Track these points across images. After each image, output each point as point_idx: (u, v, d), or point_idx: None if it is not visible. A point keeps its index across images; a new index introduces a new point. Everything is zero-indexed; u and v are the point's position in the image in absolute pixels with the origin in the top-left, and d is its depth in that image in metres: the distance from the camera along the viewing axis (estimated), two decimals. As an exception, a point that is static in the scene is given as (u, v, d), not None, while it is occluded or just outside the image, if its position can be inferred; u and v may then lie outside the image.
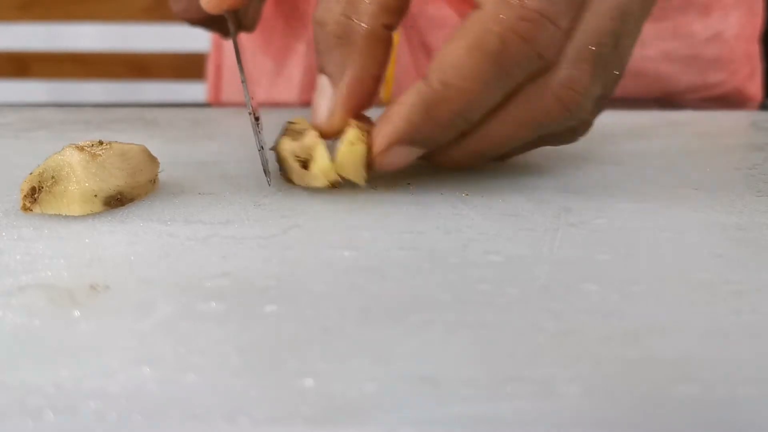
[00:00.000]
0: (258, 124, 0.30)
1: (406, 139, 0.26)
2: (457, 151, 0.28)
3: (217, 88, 0.70)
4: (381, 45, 0.27)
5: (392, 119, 0.26)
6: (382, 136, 0.27)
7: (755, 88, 0.62)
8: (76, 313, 0.19)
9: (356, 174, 0.27)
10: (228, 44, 0.68)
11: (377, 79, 0.28)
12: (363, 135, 0.27)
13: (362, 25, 0.26)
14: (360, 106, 0.28)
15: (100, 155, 0.26)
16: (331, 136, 0.28)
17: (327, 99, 0.28)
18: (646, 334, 0.18)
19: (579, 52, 0.25)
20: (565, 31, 0.25)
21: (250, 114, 0.30)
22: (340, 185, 0.28)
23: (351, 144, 0.27)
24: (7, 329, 0.18)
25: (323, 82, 0.28)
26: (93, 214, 0.25)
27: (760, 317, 0.19)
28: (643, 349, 0.18)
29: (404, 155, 0.27)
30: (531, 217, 0.26)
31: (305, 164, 0.28)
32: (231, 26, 0.35)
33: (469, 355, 0.17)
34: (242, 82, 0.31)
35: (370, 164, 0.27)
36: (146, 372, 0.16)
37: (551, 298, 0.20)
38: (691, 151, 0.37)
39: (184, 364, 0.17)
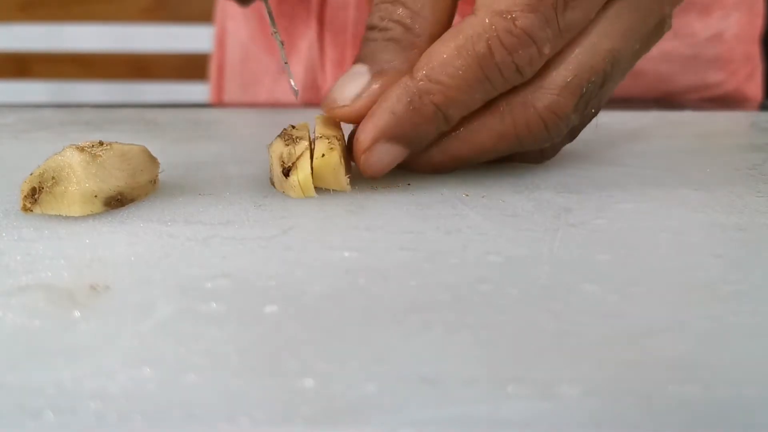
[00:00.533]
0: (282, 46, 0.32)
1: (390, 133, 0.27)
2: (437, 154, 0.29)
3: (219, 87, 0.70)
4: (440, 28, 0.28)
5: (376, 114, 0.27)
6: (367, 131, 0.27)
7: (755, 89, 0.62)
8: (77, 313, 0.19)
9: (336, 183, 0.28)
10: (230, 44, 0.68)
11: None
12: (334, 143, 0.28)
13: (419, 38, 0.28)
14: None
15: (100, 156, 0.26)
16: (347, 119, 0.28)
17: (358, 84, 0.28)
18: (646, 334, 0.18)
19: (567, 82, 0.27)
20: (546, 56, 0.26)
21: (274, 33, 0.32)
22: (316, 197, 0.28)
23: (322, 155, 0.27)
24: (8, 329, 0.18)
25: (360, 69, 0.28)
26: (93, 215, 0.26)
27: (761, 318, 0.19)
28: (643, 349, 0.18)
29: (388, 154, 0.28)
30: (531, 218, 0.26)
31: (288, 171, 0.28)
32: None
33: (470, 356, 0.17)
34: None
35: (359, 167, 0.28)
36: (146, 372, 0.16)
37: (551, 298, 0.20)
38: (691, 152, 0.37)
39: (184, 364, 0.17)
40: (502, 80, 0.26)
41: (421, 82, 0.26)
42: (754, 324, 0.19)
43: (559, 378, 0.16)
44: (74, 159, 0.25)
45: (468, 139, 0.28)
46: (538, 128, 0.27)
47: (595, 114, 0.30)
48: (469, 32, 0.26)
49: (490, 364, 0.17)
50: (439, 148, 0.29)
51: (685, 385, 0.16)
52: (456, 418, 0.15)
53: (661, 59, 0.57)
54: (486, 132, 0.28)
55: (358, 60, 0.28)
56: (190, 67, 1.04)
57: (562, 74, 0.27)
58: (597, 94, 0.28)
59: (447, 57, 0.26)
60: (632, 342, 0.18)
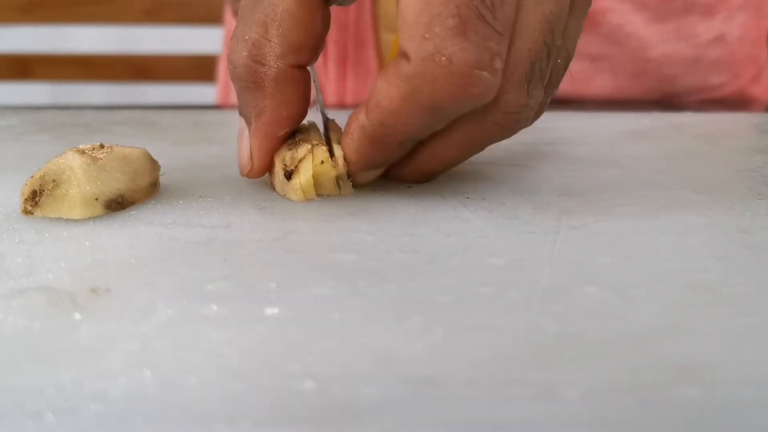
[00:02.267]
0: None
1: (363, 167, 0.28)
2: (408, 171, 0.29)
3: (226, 87, 0.70)
4: (292, 85, 0.26)
5: (349, 154, 0.27)
6: (349, 167, 0.28)
7: (761, 91, 0.62)
8: (77, 315, 0.19)
9: (333, 189, 0.28)
10: None
11: (294, 117, 0.27)
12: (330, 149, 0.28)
13: (269, 68, 0.26)
14: (279, 146, 0.28)
15: (101, 158, 0.26)
16: (256, 176, 0.29)
17: (245, 141, 0.28)
18: (647, 336, 0.18)
19: (512, 76, 0.25)
20: (500, 69, 0.24)
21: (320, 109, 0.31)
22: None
23: (321, 162, 0.27)
24: (8, 332, 0.18)
25: (241, 124, 0.28)
26: (94, 218, 0.26)
27: (762, 320, 0.19)
28: (645, 351, 0.18)
29: (369, 174, 0.28)
30: (531, 220, 0.26)
31: (290, 175, 0.28)
32: None
33: (470, 358, 0.17)
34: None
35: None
36: (147, 375, 0.16)
37: (552, 300, 0.20)
38: (692, 154, 0.37)
39: (184, 366, 0.17)
40: (460, 113, 0.25)
41: (378, 128, 0.25)
42: (754, 326, 0.19)
43: (560, 380, 0.16)
44: (75, 162, 0.25)
45: (434, 154, 0.27)
46: (499, 132, 0.26)
47: (565, 67, 0.27)
48: (408, 84, 0.23)
49: (491, 366, 0.17)
50: (409, 166, 0.28)
51: (685, 387, 0.16)
52: (457, 420, 0.15)
53: (663, 61, 0.57)
54: (449, 148, 0.27)
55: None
56: (192, 68, 1.04)
57: (505, 75, 0.24)
58: (548, 67, 0.25)
59: (395, 106, 0.24)
60: (633, 344, 0.18)
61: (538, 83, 0.25)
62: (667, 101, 0.58)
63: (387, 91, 0.24)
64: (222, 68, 0.72)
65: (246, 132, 0.28)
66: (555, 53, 0.25)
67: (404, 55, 0.23)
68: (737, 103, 0.60)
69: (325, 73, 0.59)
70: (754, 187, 0.30)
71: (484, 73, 0.23)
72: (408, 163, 0.28)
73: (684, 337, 0.18)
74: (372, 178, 0.28)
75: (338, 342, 0.18)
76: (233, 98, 0.69)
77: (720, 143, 0.40)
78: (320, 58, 0.59)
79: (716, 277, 0.22)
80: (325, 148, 0.28)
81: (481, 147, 0.27)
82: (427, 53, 0.23)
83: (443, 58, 0.22)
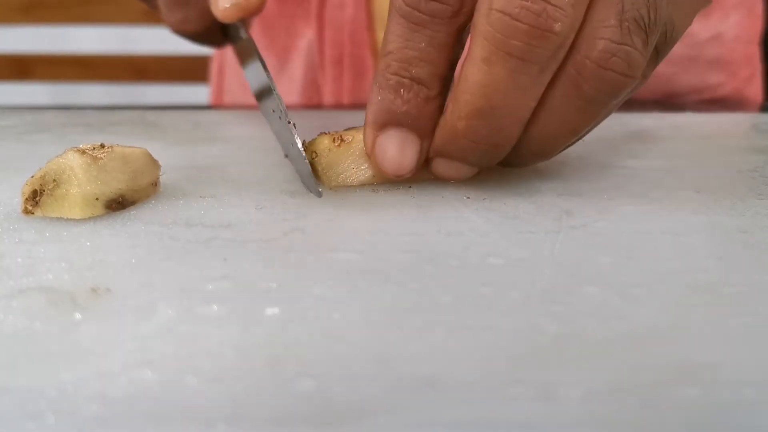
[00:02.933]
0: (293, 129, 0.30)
1: (377, 120, 0.27)
2: (529, 145, 0.28)
3: (219, 89, 0.70)
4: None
5: (366, 113, 0.27)
6: (365, 132, 0.28)
7: (755, 91, 0.62)
8: (78, 315, 0.19)
9: (346, 175, 0.29)
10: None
11: None
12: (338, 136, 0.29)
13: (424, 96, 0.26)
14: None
15: (101, 158, 0.26)
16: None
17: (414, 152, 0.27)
18: (647, 336, 0.18)
19: (606, 17, 0.24)
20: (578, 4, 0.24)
21: (286, 120, 0.30)
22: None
23: (329, 151, 0.29)
24: (9, 332, 0.18)
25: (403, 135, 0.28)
26: (94, 217, 0.26)
27: (762, 319, 0.19)
28: (644, 351, 0.18)
29: (391, 142, 0.27)
30: (532, 220, 0.26)
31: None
32: (243, 32, 0.35)
33: (470, 358, 0.17)
34: (272, 86, 0.31)
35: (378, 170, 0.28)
36: (147, 375, 0.16)
37: (552, 300, 0.20)
38: (692, 154, 0.37)
39: (185, 366, 0.17)
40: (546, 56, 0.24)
41: (380, 63, 0.26)
42: (754, 326, 0.19)
43: (560, 380, 0.16)
44: (75, 162, 0.25)
45: (549, 122, 0.26)
46: (609, 79, 0.25)
47: (667, 46, 0.27)
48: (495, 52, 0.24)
49: (491, 366, 0.17)
50: (528, 138, 0.27)
51: (685, 387, 0.16)
52: (457, 420, 0.15)
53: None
54: (564, 108, 0.26)
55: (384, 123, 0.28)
56: (191, 69, 1.04)
57: (597, 13, 0.24)
58: (648, 18, 0.25)
59: (390, 30, 0.26)
60: (633, 344, 0.18)
61: (638, 32, 0.25)
62: (666, 101, 0.58)
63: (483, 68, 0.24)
64: (214, 68, 0.72)
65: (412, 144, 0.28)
66: (657, 7, 0.25)
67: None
68: (734, 102, 0.60)
69: (322, 73, 0.59)
70: (754, 187, 0.30)
71: (558, 12, 0.23)
72: (525, 136, 0.27)
73: (684, 337, 0.18)
74: (397, 154, 0.27)
75: (338, 342, 0.18)
76: (226, 99, 0.69)
77: (720, 143, 0.40)
78: (318, 58, 0.59)
79: (716, 277, 0.22)
80: (327, 136, 0.29)
81: (595, 103, 0.26)
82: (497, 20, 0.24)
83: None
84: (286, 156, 0.32)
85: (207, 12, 0.37)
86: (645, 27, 0.25)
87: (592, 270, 0.22)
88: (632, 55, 0.24)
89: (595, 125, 0.28)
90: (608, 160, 0.35)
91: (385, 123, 0.27)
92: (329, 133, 0.29)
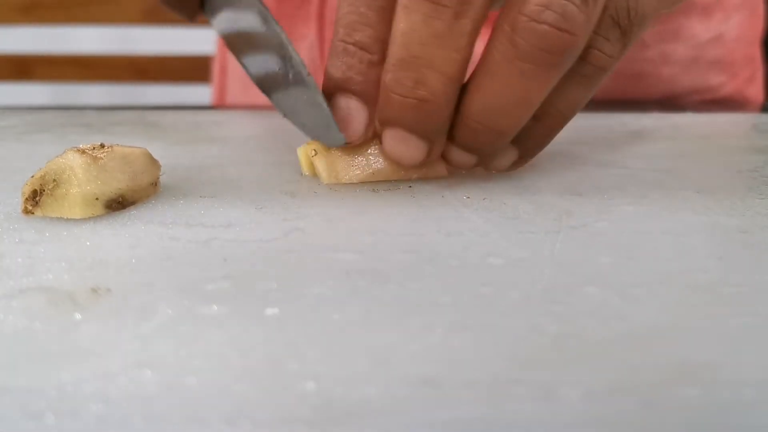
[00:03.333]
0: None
1: (382, 118, 0.27)
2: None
3: (221, 88, 0.70)
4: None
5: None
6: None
7: (756, 91, 0.62)
8: (78, 316, 0.19)
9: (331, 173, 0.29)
10: None
11: None
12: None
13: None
14: None
15: (101, 158, 0.26)
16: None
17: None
18: (648, 336, 0.18)
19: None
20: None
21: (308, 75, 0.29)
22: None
23: (329, 149, 0.29)
24: (9, 332, 0.18)
25: None
26: (94, 217, 0.26)
27: (762, 319, 0.19)
28: (645, 351, 0.18)
29: (394, 140, 0.28)
30: (532, 220, 0.26)
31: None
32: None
33: (470, 358, 0.17)
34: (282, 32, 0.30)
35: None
36: (147, 375, 0.16)
37: (552, 300, 0.20)
38: (692, 154, 0.37)
39: (185, 367, 0.17)
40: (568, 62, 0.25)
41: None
42: (755, 326, 0.19)
43: (560, 380, 0.16)
44: (75, 161, 0.25)
45: (492, 87, 0.26)
46: (543, 32, 0.24)
47: (633, 26, 0.26)
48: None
49: (491, 367, 0.17)
50: (474, 105, 0.27)
51: (685, 387, 0.16)
52: (456, 421, 0.15)
53: (662, 61, 0.57)
54: (504, 71, 0.25)
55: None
56: (192, 69, 1.04)
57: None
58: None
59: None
60: (633, 344, 0.18)
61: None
62: (666, 101, 0.58)
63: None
64: (217, 68, 0.72)
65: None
66: None
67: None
68: (735, 103, 0.60)
69: (323, 73, 0.59)
70: (754, 187, 0.30)
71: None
72: (472, 115, 0.27)
73: (684, 337, 0.18)
74: (404, 152, 0.28)
75: (338, 342, 0.18)
76: (228, 97, 0.69)
77: (720, 143, 0.40)
78: (319, 59, 0.59)
79: (716, 277, 0.22)
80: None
81: (531, 77, 0.25)
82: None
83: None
84: (285, 116, 0.31)
85: None
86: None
87: (592, 270, 0.22)
88: (567, 8, 0.24)
89: (569, 111, 0.28)
90: (608, 160, 0.35)
91: (333, 89, 0.27)
92: None
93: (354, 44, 0.26)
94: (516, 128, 0.27)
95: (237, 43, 0.35)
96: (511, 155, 0.29)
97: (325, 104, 0.27)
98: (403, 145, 0.27)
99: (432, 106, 0.26)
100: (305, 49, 0.60)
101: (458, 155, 0.28)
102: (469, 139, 0.27)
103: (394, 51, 0.25)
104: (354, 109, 0.27)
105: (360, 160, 0.29)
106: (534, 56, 0.24)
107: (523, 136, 0.28)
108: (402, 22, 0.25)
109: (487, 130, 0.27)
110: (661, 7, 0.27)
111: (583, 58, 0.26)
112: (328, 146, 0.29)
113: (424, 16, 0.24)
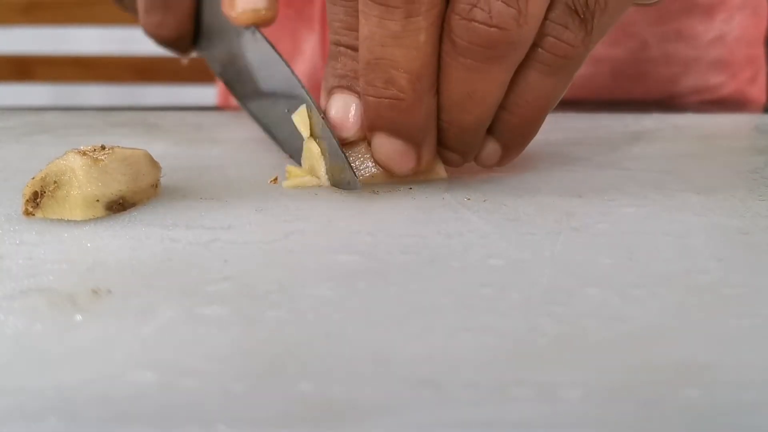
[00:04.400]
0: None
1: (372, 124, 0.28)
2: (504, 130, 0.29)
3: (227, 90, 0.70)
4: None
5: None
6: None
7: (758, 92, 0.62)
8: (78, 317, 0.19)
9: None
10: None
11: None
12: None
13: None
14: None
15: (102, 160, 0.26)
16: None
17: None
18: (649, 337, 0.18)
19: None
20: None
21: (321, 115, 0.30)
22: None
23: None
24: (9, 333, 0.18)
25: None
26: (95, 219, 0.26)
27: (763, 321, 0.19)
28: (646, 353, 0.18)
29: (381, 145, 0.28)
30: (533, 221, 0.26)
31: None
32: (258, 34, 0.34)
33: (471, 359, 0.17)
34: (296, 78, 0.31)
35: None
36: (148, 376, 0.16)
37: (553, 302, 0.20)
38: (693, 155, 0.37)
39: (185, 368, 0.17)
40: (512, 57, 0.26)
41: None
42: (756, 327, 0.19)
43: (561, 381, 0.16)
44: (76, 163, 0.25)
45: (450, 85, 0.27)
46: (475, 30, 0.25)
47: (594, 14, 0.26)
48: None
49: (492, 368, 0.17)
50: (442, 105, 0.28)
51: (686, 388, 0.16)
52: (457, 422, 0.15)
53: (664, 61, 0.57)
54: (454, 68, 0.26)
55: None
56: (192, 70, 1.04)
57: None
58: None
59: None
60: (634, 345, 0.18)
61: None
62: (667, 102, 0.58)
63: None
64: None
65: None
66: None
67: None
68: (735, 103, 0.60)
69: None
70: (755, 189, 0.30)
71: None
72: (445, 114, 0.28)
73: (685, 338, 0.18)
74: (389, 156, 0.28)
75: (339, 343, 0.18)
76: (233, 100, 0.69)
77: (721, 144, 0.40)
78: (321, 61, 0.59)
79: (717, 278, 0.22)
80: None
81: (477, 71, 0.26)
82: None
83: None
84: (288, 111, 0.32)
85: (185, 18, 0.39)
86: None
87: (593, 271, 0.22)
88: (493, 4, 0.25)
89: (536, 103, 0.28)
90: (609, 160, 0.35)
91: (330, 87, 0.29)
92: None
93: (345, 46, 0.28)
94: (480, 122, 0.28)
95: (235, 84, 0.36)
96: (493, 149, 0.30)
97: (340, 150, 0.28)
98: (390, 150, 0.28)
99: (404, 103, 0.26)
100: (308, 52, 0.60)
101: (441, 153, 0.29)
102: (442, 137, 0.29)
103: (362, 55, 0.26)
104: (351, 103, 0.29)
105: (360, 162, 0.29)
106: (472, 51, 0.25)
107: (499, 129, 0.29)
108: (363, 27, 0.26)
109: (452, 126, 0.28)
110: None
111: (540, 45, 0.26)
112: (343, 189, 0.29)
113: (378, 18, 0.25)
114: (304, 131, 0.30)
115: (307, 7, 0.60)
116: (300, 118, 0.30)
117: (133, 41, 1.13)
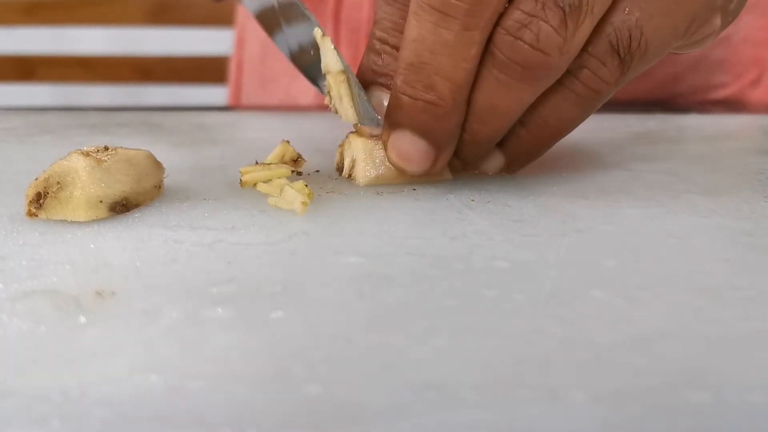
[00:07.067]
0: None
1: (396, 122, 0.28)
2: (524, 142, 0.29)
3: (237, 86, 0.70)
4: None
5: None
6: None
7: (761, 93, 0.62)
8: (82, 319, 0.19)
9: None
10: (249, 42, 0.68)
11: None
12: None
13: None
14: None
15: (105, 161, 0.26)
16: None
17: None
18: (653, 340, 0.18)
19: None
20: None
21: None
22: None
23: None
24: (13, 335, 0.18)
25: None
26: (98, 220, 0.25)
27: (769, 324, 0.19)
28: (650, 355, 0.18)
29: (403, 142, 0.28)
30: (537, 223, 0.26)
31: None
32: None
33: (476, 362, 0.17)
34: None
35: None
36: (152, 378, 0.16)
37: (558, 304, 0.20)
38: (697, 156, 0.37)
39: (190, 370, 0.17)
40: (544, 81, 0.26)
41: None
42: (761, 329, 0.19)
43: (566, 384, 0.16)
44: (79, 164, 0.25)
45: (481, 94, 0.27)
46: (518, 48, 0.25)
47: (634, 55, 0.27)
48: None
49: (497, 370, 0.17)
50: (470, 115, 0.28)
51: (692, 390, 0.16)
52: (462, 424, 0.15)
53: (668, 61, 0.57)
54: (488, 80, 0.26)
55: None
56: (195, 70, 1.04)
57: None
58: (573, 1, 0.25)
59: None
60: (639, 347, 0.18)
61: (551, 2, 0.25)
62: (670, 101, 0.58)
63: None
64: (233, 66, 0.72)
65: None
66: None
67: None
68: (737, 104, 0.60)
69: None
70: (759, 190, 0.30)
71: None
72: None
73: (691, 341, 0.18)
74: (409, 154, 0.28)
75: (343, 345, 0.18)
76: (244, 99, 0.69)
77: (725, 145, 0.40)
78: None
79: (723, 280, 0.22)
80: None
81: (508, 87, 0.27)
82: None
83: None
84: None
85: None
86: (563, 7, 0.25)
87: (598, 273, 0.22)
88: (543, 28, 0.25)
89: (553, 124, 0.28)
90: (613, 162, 0.35)
91: (369, 83, 0.29)
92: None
93: (390, 45, 0.28)
94: (494, 135, 0.28)
95: (269, 19, 0.36)
96: (497, 160, 0.30)
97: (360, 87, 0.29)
98: (410, 148, 0.28)
99: (440, 110, 0.26)
100: None
101: None
102: (470, 152, 0.29)
103: (405, 56, 0.26)
104: (385, 99, 0.29)
105: (366, 163, 0.29)
106: (509, 68, 0.26)
107: (509, 143, 0.29)
108: (413, 30, 0.26)
109: (466, 134, 0.28)
110: (673, 40, 0.27)
111: (575, 75, 0.27)
112: (362, 125, 0.30)
113: (433, 25, 0.25)
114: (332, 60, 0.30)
115: (320, 4, 0.60)
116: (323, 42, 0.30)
117: (135, 41, 1.14)
